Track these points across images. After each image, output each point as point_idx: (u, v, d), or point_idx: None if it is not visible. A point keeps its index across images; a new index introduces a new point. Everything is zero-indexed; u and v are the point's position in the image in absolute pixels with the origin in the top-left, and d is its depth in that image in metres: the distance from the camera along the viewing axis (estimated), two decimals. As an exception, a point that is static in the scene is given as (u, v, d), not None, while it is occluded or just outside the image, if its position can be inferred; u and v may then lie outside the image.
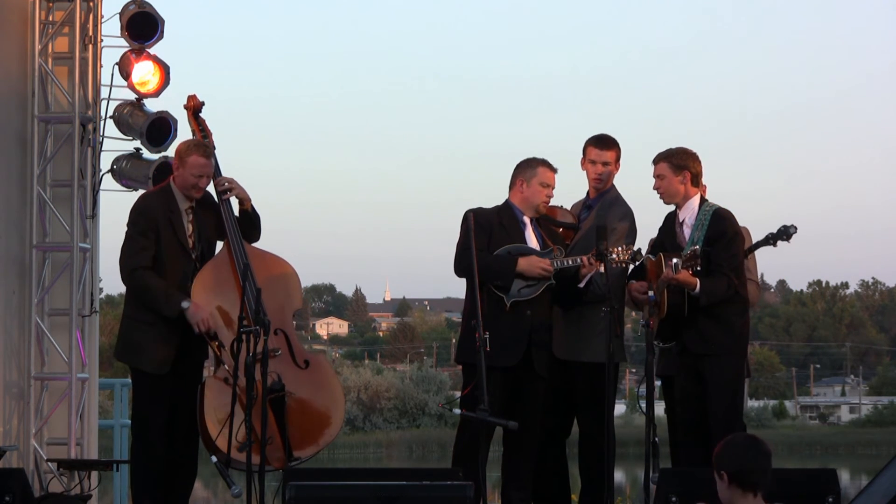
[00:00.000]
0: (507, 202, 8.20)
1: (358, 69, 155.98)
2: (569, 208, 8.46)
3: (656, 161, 7.97)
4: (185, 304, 7.79)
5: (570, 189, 8.65)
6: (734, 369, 7.79)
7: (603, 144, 8.40)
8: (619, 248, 7.91)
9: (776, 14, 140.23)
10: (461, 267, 7.95)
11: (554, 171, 8.16)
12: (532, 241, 8.11)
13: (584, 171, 8.46)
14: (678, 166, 7.91)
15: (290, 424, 7.72)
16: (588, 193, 8.51)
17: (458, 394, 7.98)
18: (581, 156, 8.46)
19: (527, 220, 8.15)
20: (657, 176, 7.96)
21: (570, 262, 7.98)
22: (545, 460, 8.34)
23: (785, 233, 8.46)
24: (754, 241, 8.46)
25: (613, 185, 8.45)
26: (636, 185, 8.62)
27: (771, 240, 8.47)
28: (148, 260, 7.87)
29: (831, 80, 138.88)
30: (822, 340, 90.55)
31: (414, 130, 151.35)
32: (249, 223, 8.15)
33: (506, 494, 8.10)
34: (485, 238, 7.95)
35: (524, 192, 8.13)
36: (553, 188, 8.16)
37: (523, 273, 7.93)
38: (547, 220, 8.24)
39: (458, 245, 8.03)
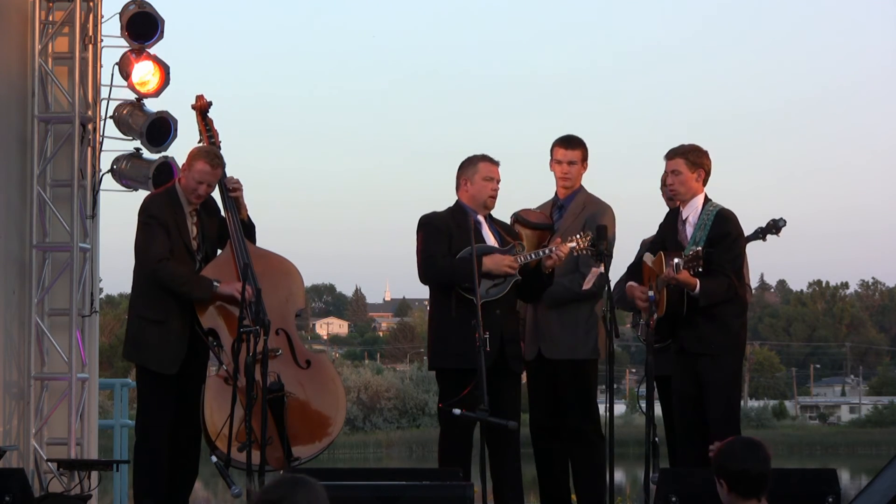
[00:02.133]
0: (457, 203, 8.15)
1: (356, 67, 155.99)
2: (537, 209, 8.46)
3: (671, 157, 7.93)
4: (216, 283, 7.82)
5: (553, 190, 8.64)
6: (731, 370, 7.79)
7: (569, 144, 8.43)
8: (578, 236, 7.89)
9: (774, 11, 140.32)
10: (427, 274, 7.96)
11: (496, 164, 8.12)
12: (490, 238, 8.07)
13: (552, 172, 8.47)
14: (695, 163, 7.88)
15: (291, 424, 7.71)
16: (556, 194, 8.52)
17: (458, 395, 7.96)
18: (549, 157, 8.49)
19: (481, 218, 8.11)
20: (672, 171, 7.91)
21: (534, 256, 7.98)
22: (544, 460, 8.35)
23: (774, 226, 8.47)
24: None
25: (582, 185, 8.47)
26: (635, 184, 8.64)
27: (760, 234, 8.49)
28: (168, 251, 7.90)
29: (830, 79, 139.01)
30: (822, 340, 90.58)
31: (414, 129, 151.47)
32: (245, 232, 8.16)
33: (499, 496, 8.08)
34: (445, 241, 7.93)
35: (469, 189, 8.10)
36: (497, 181, 8.11)
37: (490, 272, 7.92)
38: (522, 223, 8.24)
39: (420, 252, 8.01)
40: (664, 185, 8.21)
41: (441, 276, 7.89)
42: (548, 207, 8.50)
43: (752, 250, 8.44)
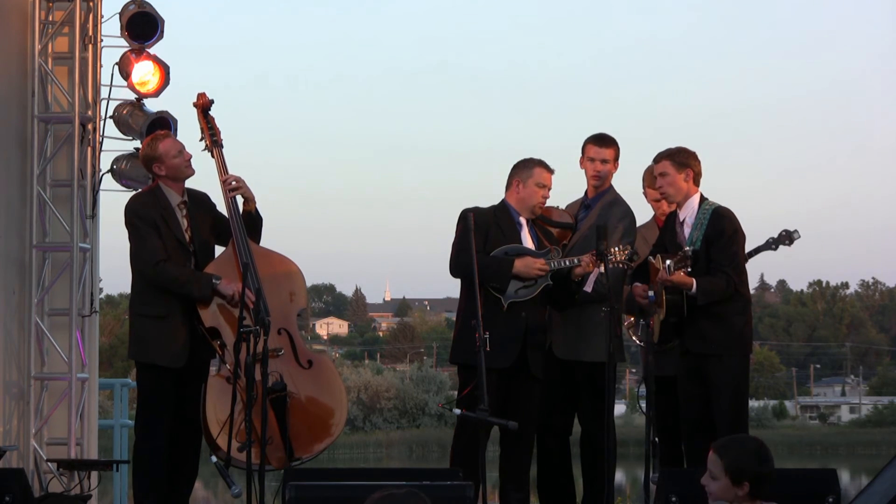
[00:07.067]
0: (503, 202, 8.19)
1: (357, 66, 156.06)
2: (564, 208, 8.45)
3: (658, 160, 7.97)
4: (215, 280, 7.81)
5: (566, 188, 8.67)
6: (737, 369, 7.76)
7: (602, 142, 8.42)
8: (616, 248, 7.91)
9: (771, 8, 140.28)
10: (458, 267, 7.94)
11: (551, 171, 8.15)
12: (528, 241, 8.10)
13: (583, 170, 8.47)
14: (681, 164, 7.91)
15: (293, 424, 7.71)
16: (586, 192, 8.52)
17: (458, 394, 7.96)
18: (580, 154, 8.48)
19: (523, 220, 8.14)
20: (660, 174, 7.95)
21: (567, 263, 7.97)
22: (551, 461, 8.35)
23: (787, 237, 8.44)
24: (755, 246, 8.46)
25: (611, 185, 8.47)
26: (632, 184, 8.66)
27: (772, 244, 8.47)
28: (163, 252, 7.88)
29: (830, 75, 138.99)
30: (822, 340, 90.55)
31: (414, 129, 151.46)
32: (251, 225, 8.13)
33: (504, 495, 8.10)
34: (481, 238, 7.93)
35: (520, 192, 8.12)
36: (549, 189, 8.15)
37: (519, 274, 7.93)
38: (543, 221, 8.23)
39: (455, 245, 8.02)
40: (646, 188, 8.37)
41: (470, 272, 7.81)
42: (575, 206, 8.50)
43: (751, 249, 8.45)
